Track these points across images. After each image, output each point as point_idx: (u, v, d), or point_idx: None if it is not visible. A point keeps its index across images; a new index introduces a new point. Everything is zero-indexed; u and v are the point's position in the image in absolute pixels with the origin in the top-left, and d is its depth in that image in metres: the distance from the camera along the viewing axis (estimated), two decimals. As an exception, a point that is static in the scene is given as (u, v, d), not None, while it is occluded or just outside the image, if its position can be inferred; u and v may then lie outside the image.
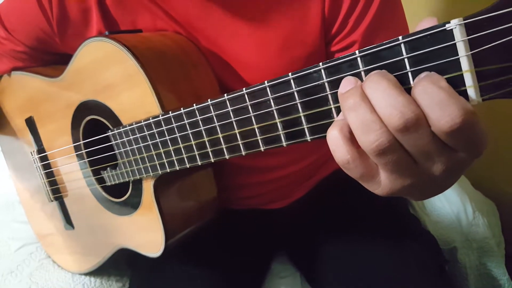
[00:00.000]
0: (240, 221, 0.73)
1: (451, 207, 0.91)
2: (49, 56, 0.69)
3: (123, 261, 0.78)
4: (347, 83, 0.29)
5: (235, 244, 0.72)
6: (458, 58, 0.26)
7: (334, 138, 0.29)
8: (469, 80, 0.26)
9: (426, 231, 0.77)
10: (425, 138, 0.26)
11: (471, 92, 0.26)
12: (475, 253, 0.88)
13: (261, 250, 0.77)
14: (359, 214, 0.71)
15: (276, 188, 0.71)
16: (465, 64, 0.25)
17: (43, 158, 0.72)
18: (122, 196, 0.60)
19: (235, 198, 0.71)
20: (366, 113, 0.27)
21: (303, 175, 0.72)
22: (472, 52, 0.25)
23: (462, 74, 0.26)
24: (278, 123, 0.35)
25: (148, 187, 0.54)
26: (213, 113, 0.40)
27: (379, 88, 0.27)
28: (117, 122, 0.54)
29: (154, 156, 0.49)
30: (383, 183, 0.30)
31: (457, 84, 0.26)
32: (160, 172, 0.50)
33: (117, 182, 0.59)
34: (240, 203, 0.72)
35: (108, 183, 0.61)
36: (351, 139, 0.29)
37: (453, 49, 0.26)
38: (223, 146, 0.41)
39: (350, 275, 0.66)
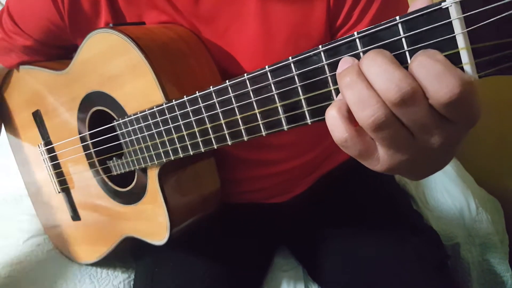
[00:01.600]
0: (242, 215, 0.73)
1: (454, 203, 0.91)
2: (56, 50, 0.70)
3: (128, 253, 0.79)
4: (344, 63, 0.30)
5: (238, 238, 0.72)
6: (454, 36, 0.26)
7: (332, 117, 0.30)
8: (465, 57, 0.26)
9: (428, 227, 0.78)
10: (422, 111, 0.27)
11: (468, 69, 0.26)
12: (478, 249, 0.88)
13: (263, 244, 0.78)
14: (361, 209, 0.72)
15: (278, 183, 0.71)
16: (461, 42, 0.26)
17: (50, 150, 0.73)
18: (127, 186, 0.61)
19: (237, 192, 0.71)
20: (362, 89, 0.27)
21: (304, 170, 0.73)
22: (467, 29, 0.26)
23: (458, 52, 0.26)
24: (279, 107, 0.36)
25: (153, 176, 0.55)
26: (215, 100, 0.41)
27: (375, 64, 0.27)
28: (122, 112, 0.55)
29: (159, 144, 0.50)
30: (381, 159, 0.30)
31: (453, 61, 0.26)
32: (164, 160, 0.51)
33: (123, 171, 0.60)
34: (242, 197, 0.73)
35: (114, 173, 0.62)
36: (349, 117, 0.29)
37: (449, 27, 0.26)
38: (226, 132, 0.42)
39: (352, 270, 0.66)
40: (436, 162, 0.32)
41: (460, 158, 1.06)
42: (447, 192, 0.95)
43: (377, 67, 0.27)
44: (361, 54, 0.30)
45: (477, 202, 0.94)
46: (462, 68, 0.26)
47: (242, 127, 0.40)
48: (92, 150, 0.63)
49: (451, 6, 0.26)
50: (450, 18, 0.26)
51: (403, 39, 0.28)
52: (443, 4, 0.26)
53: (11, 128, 0.81)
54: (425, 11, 0.27)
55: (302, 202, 0.75)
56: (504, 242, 0.94)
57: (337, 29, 0.57)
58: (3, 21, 0.68)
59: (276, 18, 0.56)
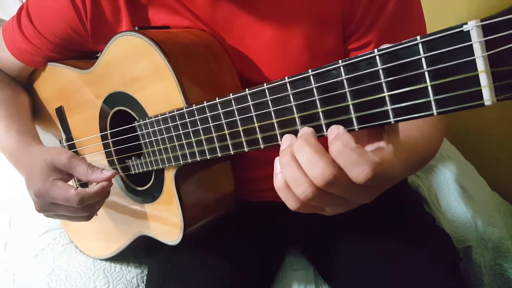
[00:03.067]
0: (256, 214, 0.74)
1: (466, 206, 0.91)
2: (73, 53, 0.70)
3: (142, 250, 0.81)
4: (285, 140, 0.36)
5: (251, 236, 0.73)
6: (474, 59, 0.26)
7: (283, 191, 0.36)
8: (484, 80, 0.26)
9: (440, 229, 0.77)
10: (346, 188, 0.33)
11: (486, 92, 0.26)
12: (490, 253, 0.87)
13: (276, 243, 0.78)
14: (373, 210, 0.72)
15: None
16: (481, 65, 0.26)
17: (71, 147, 0.75)
18: (144, 185, 0.63)
19: (252, 191, 0.72)
20: (294, 170, 0.34)
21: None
22: (488, 53, 0.26)
23: (477, 75, 0.26)
24: (297, 118, 0.37)
25: (169, 176, 0.57)
26: (234, 107, 0.42)
27: (303, 154, 0.33)
28: (143, 114, 0.56)
29: (177, 147, 0.51)
30: (328, 211, 0.37)
31: (472, 84, 0.27)
32: (181, 162, 0.52)
33: (141, 171, 0.61)
34: (257, 196, 0.74)
35: (132, 172, 0.63)
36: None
37: (470, 50, 0.26)
38: (243, 139, 0.42)
39: (363, 270, 0.67)
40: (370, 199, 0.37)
41: (474, 162, 1.05)
42: (460, 195, 0.94)
43: (304, 157, 0.33)
44: (380, 71, 0.31)
45: (490, 206, 0.93)
46: (480, 91, 0.27)
47: (259, 135, 0.41)
48: (112, 149, 0.65)
49: (472, 29, 0.26)
50: (471, 41, 0.26)
51: (423, 59, 0.28)
52: (464, 26, 0.26)
53: (34, 123, 0.83)
54: (446, 33, 0.27)
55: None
56: (517, 247, 0.94)
57: (349, 34, 0.58)
58: (23, 26, 0.68)
59: (292, 24, 0.56)
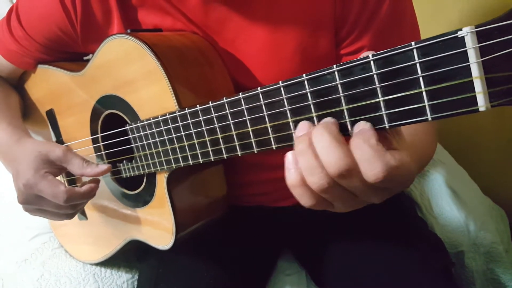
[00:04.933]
0: (248, 218, 0.74)
1: (459, 211, 0.91)
2: (64, 55, 0.70)
3: (132, 254, 0.80)
4: (302, 128, 0.34)
5: (243, 241, 0.73)
6: (469, 65, 0.26)
7: (297, 189, 0.34)
8: (478, 86, 0.26)
9: (433, 234, 0.78)
10: (358, 182, 0.32)
11: (480, 98, 0.26)
12: (482, 258, 0.88)
13: (268, 247, 0.78)
14: (366, 216, 0.72)
15: (285, 186, 0.71)
16: (475, 71, 0.26)
17: (61, 150, 0.74)
18: (136, 189, 0.62)
19: (245, 195, 0.72)
20: (310, 159, 0.32)
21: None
22: (482, 59, 0.26)
23: (472, 80, 0.26)
24: (291, 123, 0.37)
25: (161, 180, 0.56)
26: (227, 111, 0.41)
27: (322, 140, 0.32)
28: (135, 117, 0.56)
29: (169, 151, 0.51)
30: (336, 208, 0.36)
31: (466, 90, 0.27)
32: (174, 166, 0.52)
33: (132, 175, 0.60)
34: (249, 200, 0.73)
35: (124, 176, 0.62)
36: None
37: (464, 56, 0.26)
38: (236, 143, 0.42)
39: (356, 275, 0.67)
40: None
41: (466, 166, 1.06)
42: (452, 200, 0.95)
43: (322, 143, 0.32)
44: (375, 76, 0.30)
45: (482, 211, 0.94)
46: (474, 97, 0.27)
47: (252, 140, 0.40)
48: (103, 152, 0.64)
49: (467, 35, 0.26)
50: (465, 47, 0.26)
51: (418, 64, 0.28)
52: (459, 32, 0.26)
53: (25, 124, 0.82)
54: (441, 39, 0.27)
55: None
56: (509, 252, 0.94)
57: (342, 39, 0.58)
58: (12, 27, 0.67)
59: (284, 27, 0.56)
